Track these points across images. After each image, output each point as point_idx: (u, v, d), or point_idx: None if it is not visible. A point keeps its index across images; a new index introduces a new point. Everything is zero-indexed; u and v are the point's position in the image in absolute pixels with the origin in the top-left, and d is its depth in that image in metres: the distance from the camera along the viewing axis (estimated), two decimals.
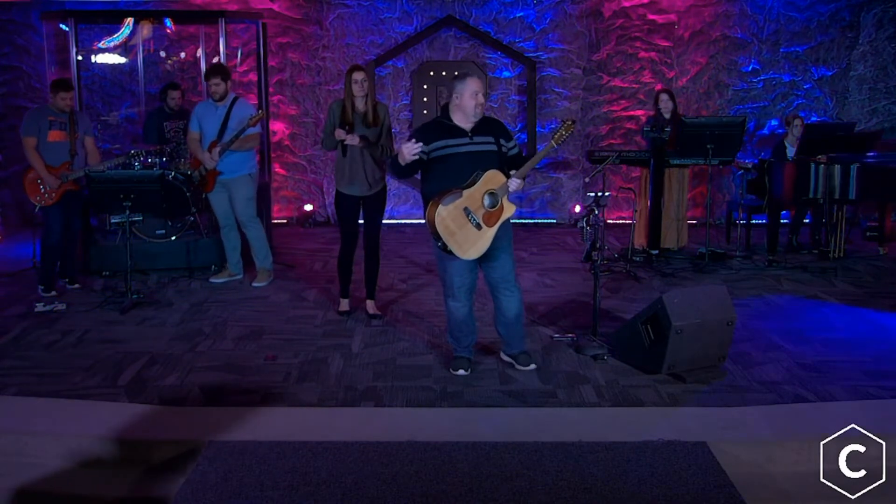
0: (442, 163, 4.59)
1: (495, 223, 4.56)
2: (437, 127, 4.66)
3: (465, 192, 4.50)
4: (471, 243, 4.53)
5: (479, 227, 4.52)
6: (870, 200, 7.92)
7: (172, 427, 4.06)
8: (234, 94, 6.82)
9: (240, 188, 6.76)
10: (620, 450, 3.77)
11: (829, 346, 5.35)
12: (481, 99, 4.57)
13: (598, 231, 6.31)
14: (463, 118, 4.61)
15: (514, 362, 4.92)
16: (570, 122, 4.63)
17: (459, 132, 4.60)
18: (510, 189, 4.52)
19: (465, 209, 4.50)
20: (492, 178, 4.51)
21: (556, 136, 4.60)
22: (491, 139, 4.61)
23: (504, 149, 4.66)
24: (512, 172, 4.55)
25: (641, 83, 9.88)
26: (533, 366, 4.88)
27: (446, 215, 4.49)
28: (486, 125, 4.65)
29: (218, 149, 6.60)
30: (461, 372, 4.82)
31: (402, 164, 4.51)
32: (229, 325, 5.78)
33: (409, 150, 4.44)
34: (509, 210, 4.59)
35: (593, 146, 9.64)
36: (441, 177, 4.58)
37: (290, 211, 10.07)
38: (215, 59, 9.41)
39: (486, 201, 4.52)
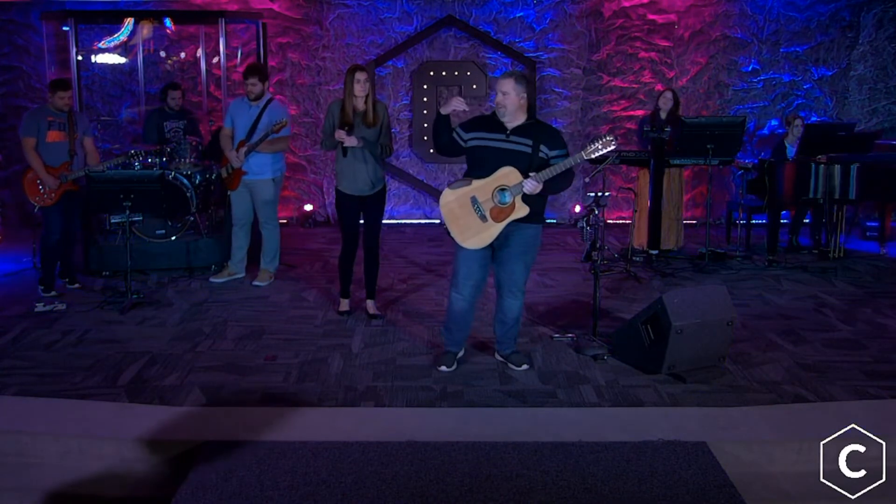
0: (473, 154, 4.64)
1: (503, 220, 4.55)
2: (483, 119, 4.70)
3: (476, 182, 4.54)
4: (473, 233, 4.55)
5: (483, 218, 4.53)
6: (870, 200, 7.93)
7: (173, 427, 4.06)
8: (270, 95, 6.82)
9: (261, 191, 6.78)
10: (620, 450, 3.77)
11: (829, 346, 5.35)
12: (499, 97, 4.54)
13: (598, 231, 6.31)
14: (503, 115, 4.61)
15: (507, 362, 4.94)
16: (609, 139, 4.50)
17: (498, 128, 4.59)
18: (525, 189, 4.48)
19: (473, 198, 4.54)
20: (506, 174, 4.51)
21: (588, 149, 4.49)
22: (529, 142, 4.54)
23: (543, 154, 4.55)
24: (531, 174, 4.48)
25: (641, 83, 9.88)
26: (525, 366, 4.88)
27: (452, 199, 4.56)
28: (531, 128, 4.59)
29: (244, 149, 6.60)
30: (443, 368, 4.84)
31: (442, 112, 4.61)
32: (229, 325, 5.78)
33: (457, 102, 4.55)
34: (521, 210, 4.54)
35: None
36: (470, 167, 4.67)
37: (290, 211, 10.07)
38: (215, 60, 9.43)
39: (498, 197, 4.52)
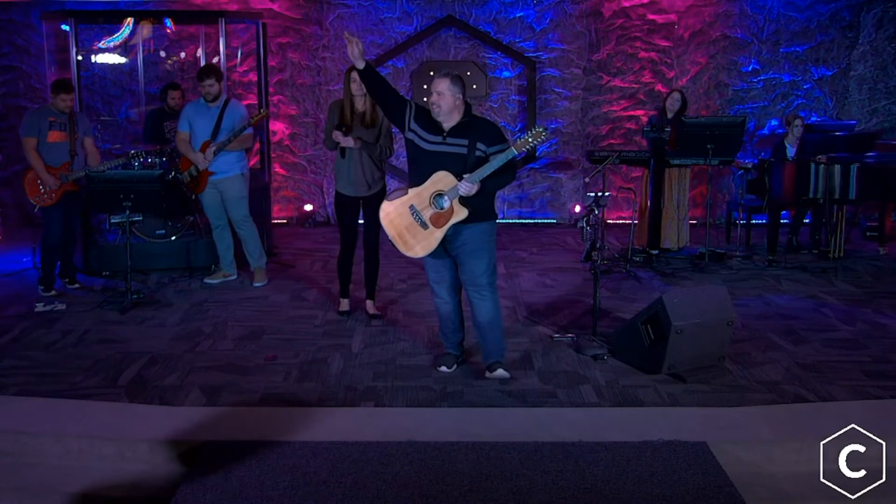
0: (412, 153, 4.60)
1: (444, 224, 4.47)
2: (427, 116, 4.55)
3: (412, 190, 4.51)
4: (417, 241, 4.53)
5: (424, 226, 4.50)
6: (870, 200, 7.93)
7: (173, 427, 4.06)
8: (227, 96, 6.85)
9: (232, 188, 6.76)
10: (620, 450, 3.77)
11: (829, 346, 5.35)
12: (434, 97, 4.45)
13: (598, 231, 6.31)
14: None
15: (491, 374, 4.73)
16: (539, 130, 4.37)
17: (436, 129, 4.50)
18: (460, 192, 4.38)
19: (411, 206, 4.50)
20: (440, 179, 4.42)
21: (518, 142, 4.37)
22: (465, 142, 4.44)
23: (480, 152, 4.43)
24: (465, 176, 4.38)
25: (641, 83, 9.88)
26: (500, 371, 4.69)
27: (391, 210, 4.56)
28: (467, 127, 4.48)
29: (212, 149, 6.60)
30: (443, 369, 4.83)
31: (358, 67, 4.52)
32: (229, 325, 5.78)
33: (352, 47, 4.42)
34: (460, 213, 4.44)
35: (593, 146, 9.65)
36: (411, 169, 4.66)
37: (290, 211, 10.07)
38: (215, 60, 9.41)
39: (436, 202, 4.46)
